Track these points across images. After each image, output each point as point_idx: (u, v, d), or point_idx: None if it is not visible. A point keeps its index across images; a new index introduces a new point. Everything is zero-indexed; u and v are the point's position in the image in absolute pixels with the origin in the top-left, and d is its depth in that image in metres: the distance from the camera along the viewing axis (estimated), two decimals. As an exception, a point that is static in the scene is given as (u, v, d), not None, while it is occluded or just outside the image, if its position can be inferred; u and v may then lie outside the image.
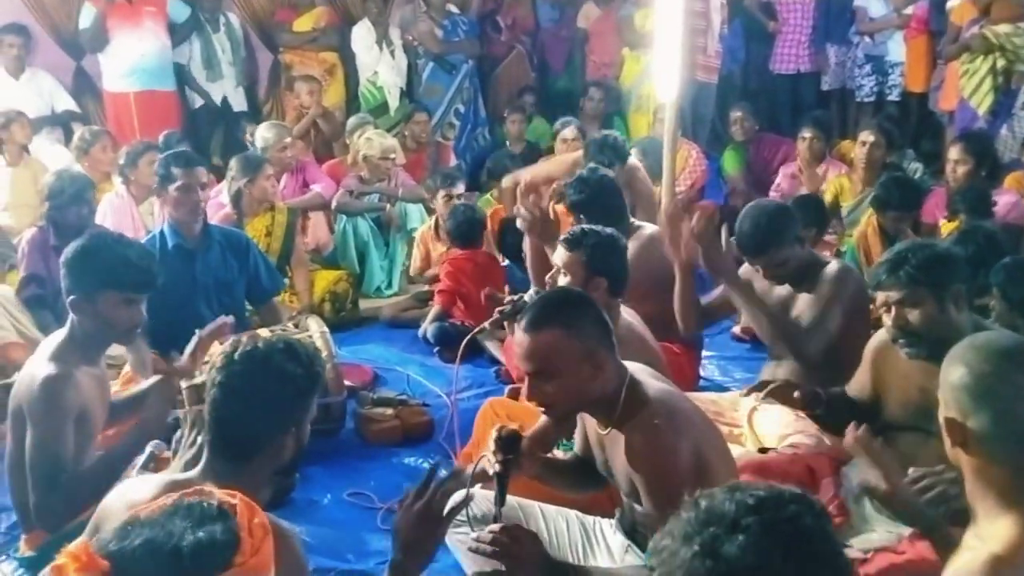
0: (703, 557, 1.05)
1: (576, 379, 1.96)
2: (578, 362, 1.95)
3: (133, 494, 1.73)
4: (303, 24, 6.66)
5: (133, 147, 4.79)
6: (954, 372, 1.56)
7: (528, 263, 3.44)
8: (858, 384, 2.60)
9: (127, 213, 4.63)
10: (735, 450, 2.53)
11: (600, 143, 4.48)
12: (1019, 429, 1.49)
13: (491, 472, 2.10)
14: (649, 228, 3.61)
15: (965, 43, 6.16)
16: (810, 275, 2.99)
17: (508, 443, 2.08)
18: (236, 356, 1.78)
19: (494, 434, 2.11)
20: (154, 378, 2.72)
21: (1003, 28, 5.99)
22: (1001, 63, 6.01)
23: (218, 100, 6.50)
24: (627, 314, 2.78)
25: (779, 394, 2.52)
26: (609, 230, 2.85)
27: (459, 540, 2.42)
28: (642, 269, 3.31)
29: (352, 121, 5.95)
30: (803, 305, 3.00)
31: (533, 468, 2.27)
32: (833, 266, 3.02)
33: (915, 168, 5.43)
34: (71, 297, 2.42)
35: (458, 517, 2.37)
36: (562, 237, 2.83)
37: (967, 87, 6.13)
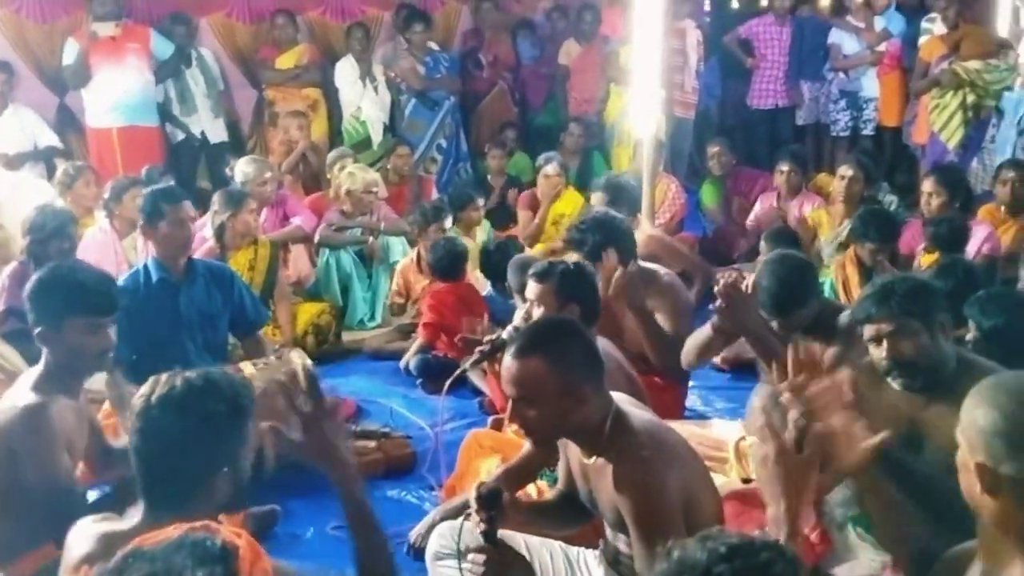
0: None
1: (556, 409, 1.98)
2: (558, 394, 1.97)
3: (75, 549, 1.69)
4: (286, 61, 6.71)
5: (117, 182, 4.79)
6: (984, 416, 1.44)
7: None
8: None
9: (110, 248, 4.61)
10: (718, 479, 2.53)
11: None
12: None
13: (477, 532, 2.09)
14: (663, 271, 3.56)
15: (935, 79, 6.29)
16: (823, 323, 2.86)
17: (490, 499, 2.07)
18: (153, 400, 1.68)
19: (474, 493, 2.09)
20: None
21: (973, 64, 6.12)
22: (971, 98, 6.13)
23: (197, 134, 6.51)
24: (603, 343, 2.78)
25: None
26: (575, 259, 2.91)
27: (443, 574, 2.41)
28: (682, 318, 3.35)
29: (332, 155, 5.99)
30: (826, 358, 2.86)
31: (519, 516, 2.27)
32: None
33: (890, 200, 5.51)
34: (38, 330, 2.41)
35: (443, 550, 2.39)
36: (530, 271, 2.89)
37: (937, 122, 6.24)
